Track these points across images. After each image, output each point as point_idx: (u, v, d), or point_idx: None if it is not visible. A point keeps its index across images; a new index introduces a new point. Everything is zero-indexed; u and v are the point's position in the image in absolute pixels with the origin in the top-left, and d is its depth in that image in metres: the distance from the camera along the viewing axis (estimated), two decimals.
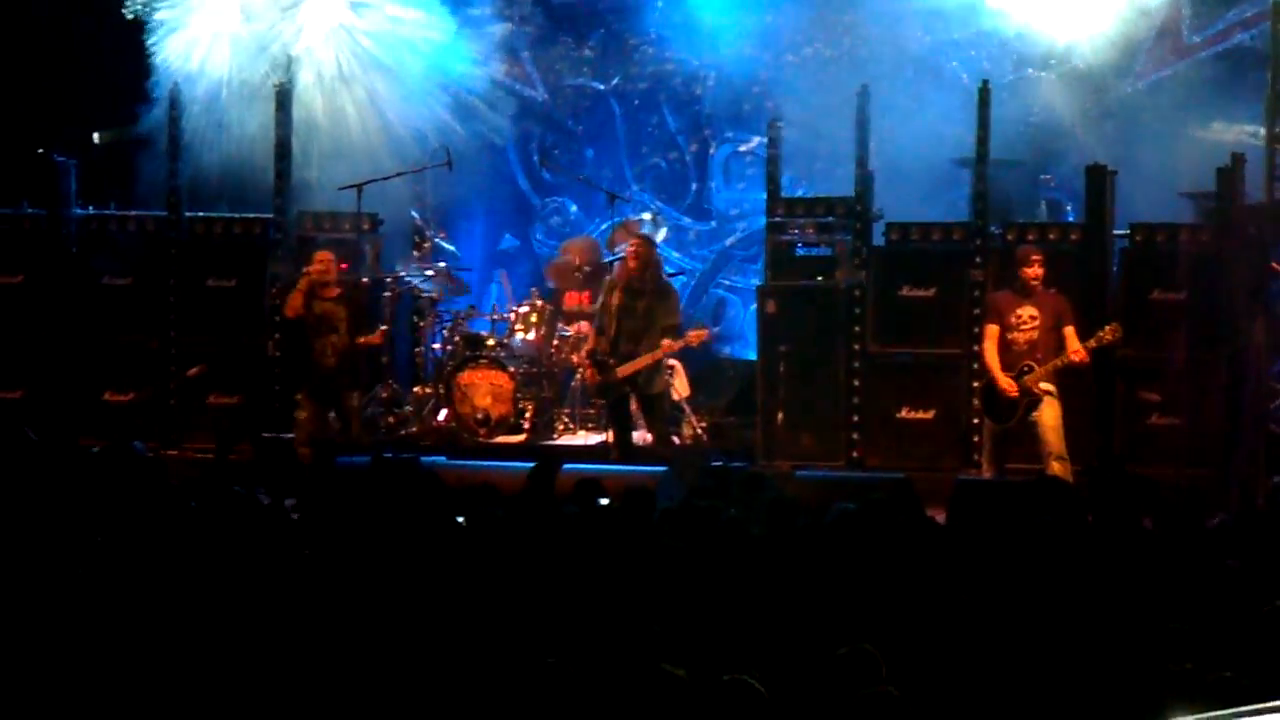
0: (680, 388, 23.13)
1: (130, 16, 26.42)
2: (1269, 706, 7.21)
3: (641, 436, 22.68)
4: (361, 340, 22.82)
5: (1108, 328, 20.53)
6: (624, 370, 22.18)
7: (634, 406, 22.67)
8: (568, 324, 24.74)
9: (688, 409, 23.21)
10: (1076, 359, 20.54)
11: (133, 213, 24.81)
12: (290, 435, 22.57)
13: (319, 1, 26.53)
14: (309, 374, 22.67)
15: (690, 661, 10.40)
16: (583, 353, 23.38)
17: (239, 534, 14.58)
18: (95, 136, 26.12)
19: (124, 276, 24.29)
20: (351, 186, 24.58)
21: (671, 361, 22.81)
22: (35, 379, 24.19)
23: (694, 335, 22.41)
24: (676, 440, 22.82)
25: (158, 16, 26.28)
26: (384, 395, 24.30)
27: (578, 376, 24.09)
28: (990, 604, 11.85)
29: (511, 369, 24.02)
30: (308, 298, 22.74)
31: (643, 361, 22.03)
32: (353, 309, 22.90)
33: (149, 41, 26.30)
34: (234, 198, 25.23)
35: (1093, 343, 20.57)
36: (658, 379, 22.32)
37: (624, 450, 22.27)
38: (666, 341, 22.01)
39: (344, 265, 23.72)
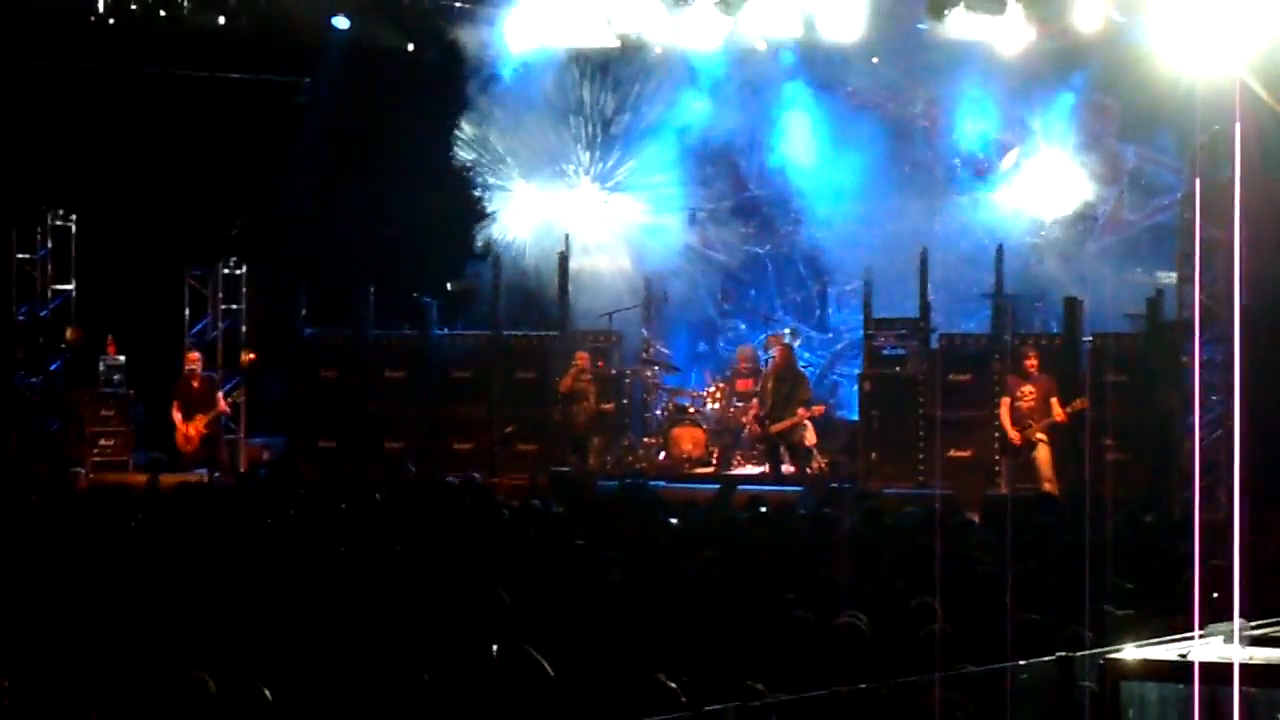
0: (810, 438, 22.94)
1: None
2: None
3: (786, 469, 22.91)
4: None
5: (1078, 400, 20.62)
6: (776, 428, 22.46)
7: (783, 450, 22.93)
8: (740, 399, 24.43)
9: (816, 451, 22.99)
10: (1059, 419, 20.69)
11: (471, 332, 24.83)
12: (566, 469, 22.76)
13: (587, 195, 26.87)
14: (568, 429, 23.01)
15: (816, 610, 10.61)
16: (750, 416, 23.64)
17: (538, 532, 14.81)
18: (449, 285, 26.28)
19: (466, 371, 24.34)
20: (605, 315, 25.00)
21: (805, 420, 22.94)
22: (412, 436, 23.99)
23: (817, 409, 22.74)
24: (809, 470, 22.70)
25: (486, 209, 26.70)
26: (625, 443, 24.39)
27: (746, 431, 24.18)
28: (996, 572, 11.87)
29: (705, 426, 24.06)
30: (573, 381, 23.12)
31: (788, 423, 22.32)
32: (598, 386, 23.25)
33: (480, 217, 26.72)
34: (534, 321, 25.28)
35: (1069, 409, 20.68)
36: (797, 432, 22.57)
37: (777, 477, 22.50)
38: (801, 410, 22.32)
39: (600, 363, 24.05)
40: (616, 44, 25.90)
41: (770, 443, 22.92)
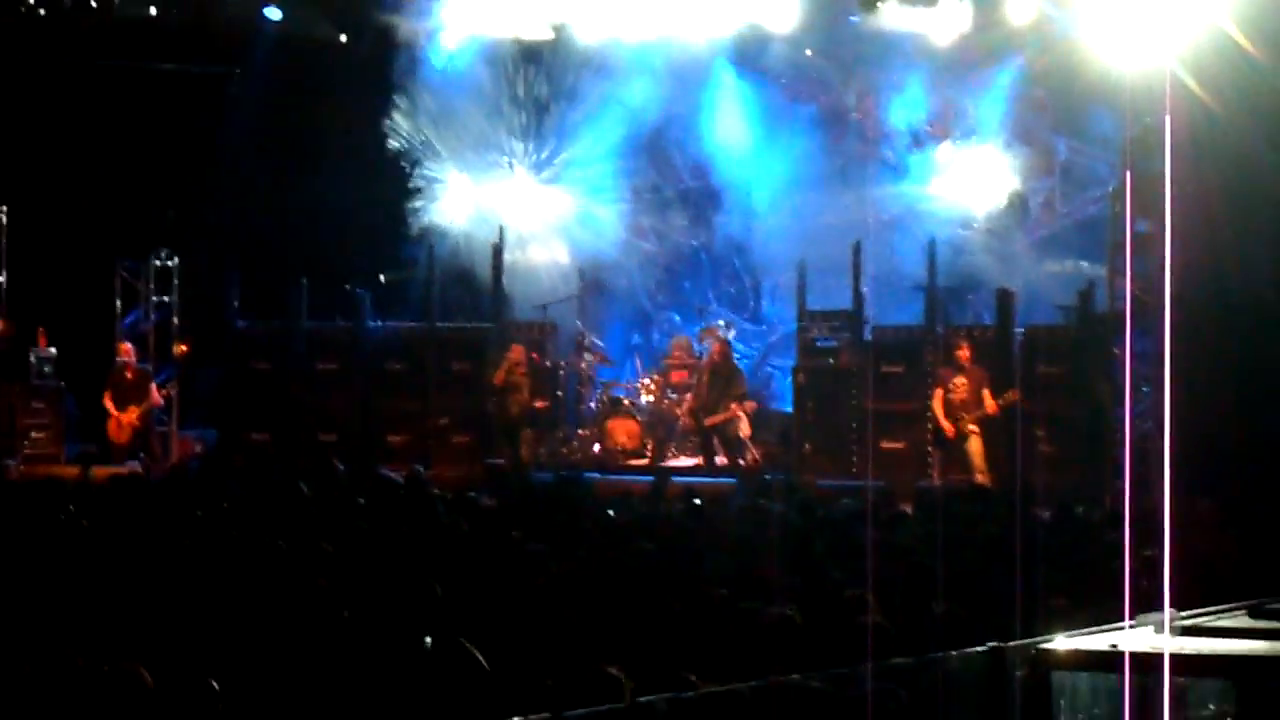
0: (745, 429, 23.01)
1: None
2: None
3: (720, 461, 22.94)
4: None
5: (1010, 392, 20.70)
6: (710, 421, 22.51)
7: (716, 443, 22.96)
8: (674, 391, 24.50)
9: (749, 443, 23.04)
10: (990, 412, 20.78)
11: (405, 324, 24.77)
12: (501, 461, 22.69)
13: (521, 185, 26.80)
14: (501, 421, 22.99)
15: (755, 600, 10.61)
16: (685, 409, 23.70)
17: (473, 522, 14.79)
18: (382, 277, 26.20)
19: (400, 363, 24.22)
20: (540, 306, 24.98)
21: (739, 413, 22.96)
22: (346, 429, 23.89)
23: (750, 405, 22.79)
24: (742, 462, 22.69)
25: (419, 201, 26.60)
26: (560, 435, 24.41)
27: (680, 424, 24.22)
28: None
29: (639, 418, 24.13)
30: (507, 374, 23.08)
31: (721, 416, 22.37)
32: (533, 380, 23.22)
33: (413, 208, 26.61)
34: (469, 312, 25.24)
35: (1001, 402, 20.77)
36: (732, 424, 22.61)
37: (711, 469, 22.54)
38: (734, 405, 22.38)
39: (535, 356, 24.01)
40: (550, 35, 25.87)
41: (704, 435, 22.98)
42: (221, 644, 9.77)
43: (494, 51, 26.09)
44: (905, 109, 26.11)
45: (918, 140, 26.14)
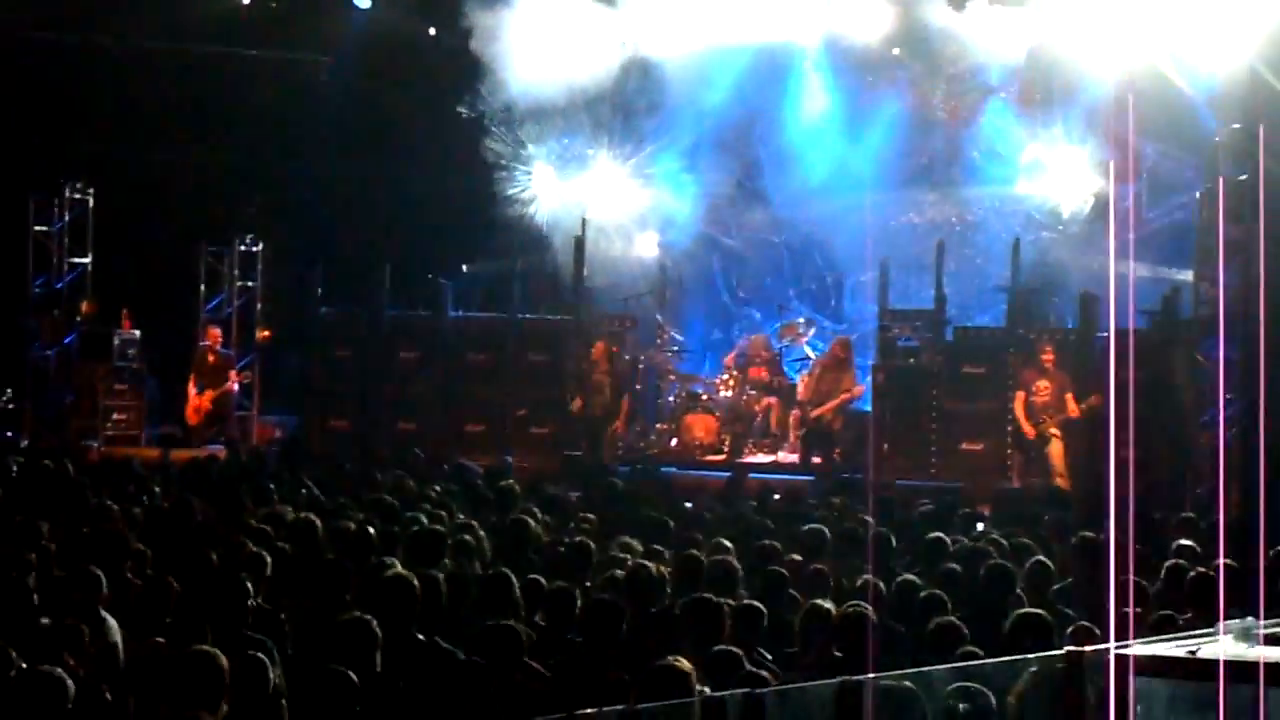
0: (838, 424, 22.88)
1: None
2: None
3: (816, 460, 22.63)
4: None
5: (1093, 397, 20.49)
6: (816, 412, 22.42)
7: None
8: (753, 387, 24.42)
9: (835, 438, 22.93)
10: (1072, 416, 20.62)
11: (486, 314, 24.86)
12: (579, 453, 22.69)
13: (604, 179, 26.80)
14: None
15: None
16: (763, 404, 23.68)
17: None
18: (465, 267, 26.21)
19: (480, 354, 24.21)
20: (621, 299, 24.97)
21: (849, 395, 22.77)
22: (425, 418, 23.93)
23: (858, 388, 22.62)
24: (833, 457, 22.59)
25: (503, 191, 26.64)
26: (638, 429, 24.37)
27: (758, 418, 24.07)
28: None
29: (717, 413, 24.05)
30: (587, 371, 23.06)
31: (830, 405, 22.27)
32: (616, 380, 23.18)
33: (497, 198, 26.54)
34: (550, 304, 25.22)
35: (1084, 406, 20.59)
36: (828, 419, 22.49)
37: (805, 463, 22.39)
38: (845, 394, 22.25)
39: (615, 349, 23.98)
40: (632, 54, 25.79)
41: (810, 430, 22.77)
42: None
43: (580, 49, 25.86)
44: (992, 111, 25.95)
45: (1004, 143, 25.96)
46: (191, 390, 23.58)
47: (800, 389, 23.44)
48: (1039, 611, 10.03)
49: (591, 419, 23.22)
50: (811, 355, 24.45)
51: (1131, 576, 11.05)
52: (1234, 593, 10.78)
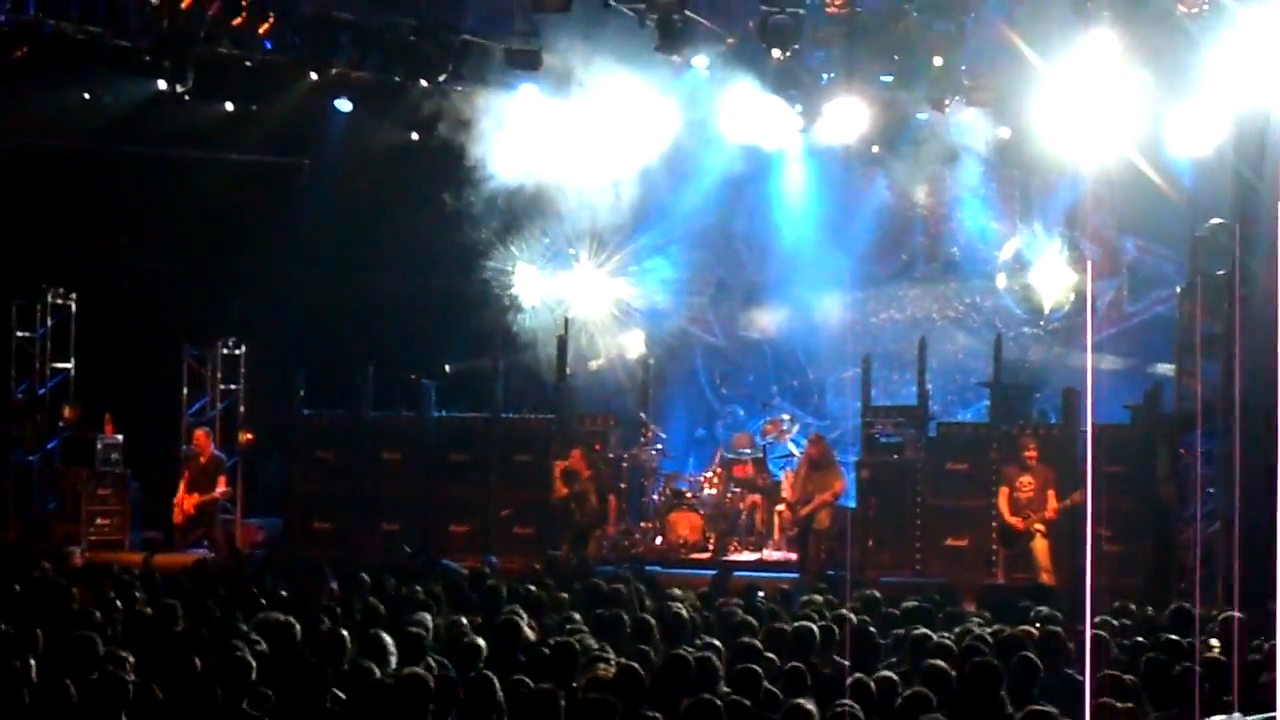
0: (825, 521, 22.76)
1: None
2: None
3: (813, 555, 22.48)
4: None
5: (1074, 495, 20.60)
6: (806, 510, 22.34)
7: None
8: (736, 485, 24.50)
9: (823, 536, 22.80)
10: (1051, 516, 20.69)
11: (469, 414, 24.74)
12: (559, 553, 22.64)
13: (586, 278, 26.90)
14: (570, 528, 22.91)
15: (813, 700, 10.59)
16: (748, 502, 23.68)
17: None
18: (447, 367, 26.23)
19: (464, 454, 24.24)
20: (604, 398, 25.02)
21: (830, 498, 22.43)
22: (409, 518, 23.91)
23: (840, 484, 22.58)
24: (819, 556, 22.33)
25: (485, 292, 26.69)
26: (623, 527, 24.28)
27: (743, 517, 24.08)
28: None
29: (702, 511, 24.03)
30: (569, 478, 23.00)
31: (816, 502, 22.19)
32: (598, 485, 23.15)
33: (479, 299, 26.68)
34: (533, 403, 25.25)
35: (1066, 503, 20.66)
36: (818, 516, 22.40)
37: (803, 564, 22.16)
38: (823, 496, 22.19)
39: (597, 446, 23.98)
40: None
41: (801, 528, 22.71)
42: None
43: (558, 149, 25.92)
44: (971, 207, 26.18)
45: (984, 239, 26.16)
46: (181, 489, 23.40)
47: (786, 488, 23.44)
48: (1049, 710, 9.97)
49: (578, 528, 23.12)
50: (795, 452, 24.52)
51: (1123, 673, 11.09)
52: (1219, 687, 10.84)
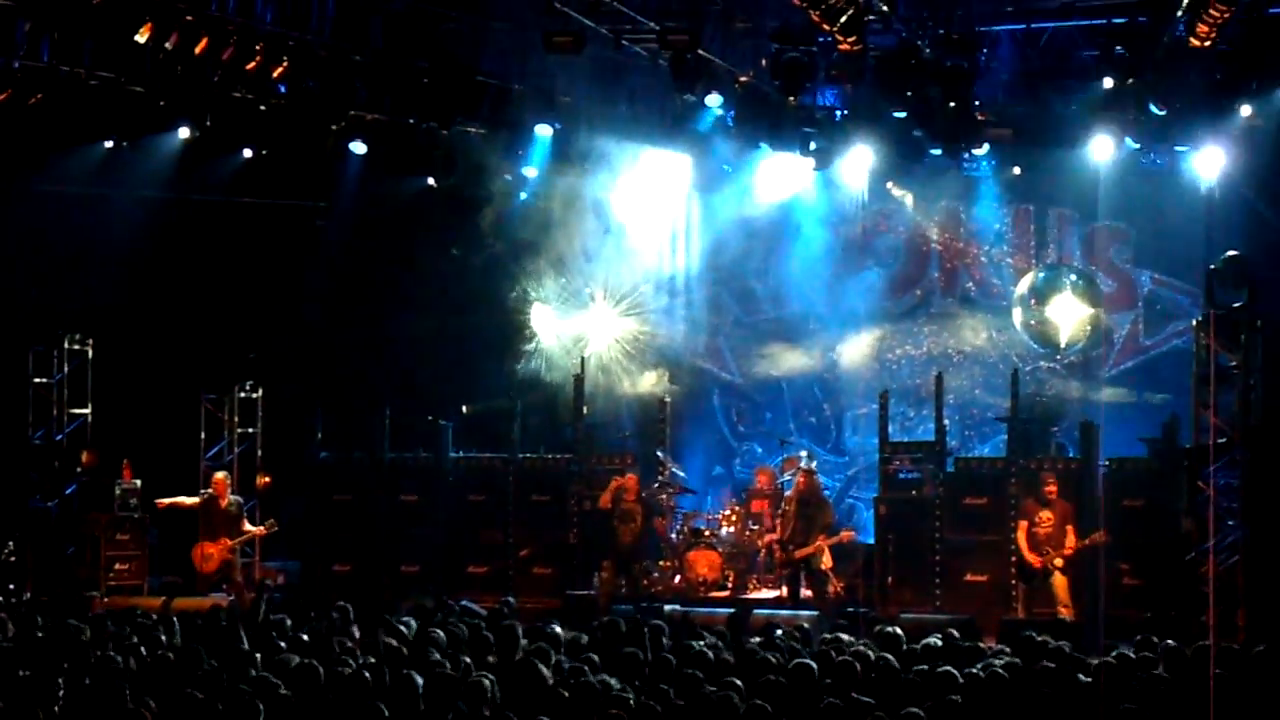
0: (827, 561, 22.86)
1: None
2: None
3: (805, 594, 22.75)
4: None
5: (1096, 534, 20.64)
6: (800, 553, 22.41)
7: (803, 575, 22.79)
8: (755, 522, 24.51)
9: (831, 575, 22.72)
10: (1069, 554, 20.70)
11: (487, 455, 24.79)
12: (590, 592, 22.73)
13: (603, 316, 27.05)
14: (614, 549, 22.94)
15: None
16: (766, 540, 23.68)
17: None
18: (464, 408, 26.30)
19: (482, 494, 24.37)
20: (621, 436, 25.08)
21: (824, 546, 22.74)
22: (427, 560, 24.09)
23: (845, 535, 22.70)
24: (826, 595, 22.34)
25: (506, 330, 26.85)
26: (641, 565, 24.11)
27: (762, 554, 24.17)
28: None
29: (720, 549, 24.08)
30: (615, 496, 23.04)
31: (811, 549, 22.28)
32: (645, 509, 23.17)
33: (496, 339, 26.81)
34: (550, 442, 25.25)
35: (1086, 541, 20.69)
36: (816, 556, 22.51)
37: (794, 600, 22.46)
38: (821, 539, 22.29)
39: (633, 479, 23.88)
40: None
41: (793, 568, 22.79)
42: None
43: (573, 190, 26.10)
44: (987, 241, 26.27)
45: (999, 273, 26.23)
46: (201, 537, 23.29)
47: (777, 528, 23.32)
48: None
49: (622, 550, 23.14)
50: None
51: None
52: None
